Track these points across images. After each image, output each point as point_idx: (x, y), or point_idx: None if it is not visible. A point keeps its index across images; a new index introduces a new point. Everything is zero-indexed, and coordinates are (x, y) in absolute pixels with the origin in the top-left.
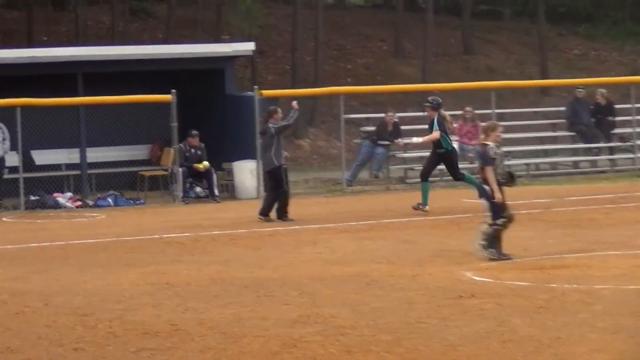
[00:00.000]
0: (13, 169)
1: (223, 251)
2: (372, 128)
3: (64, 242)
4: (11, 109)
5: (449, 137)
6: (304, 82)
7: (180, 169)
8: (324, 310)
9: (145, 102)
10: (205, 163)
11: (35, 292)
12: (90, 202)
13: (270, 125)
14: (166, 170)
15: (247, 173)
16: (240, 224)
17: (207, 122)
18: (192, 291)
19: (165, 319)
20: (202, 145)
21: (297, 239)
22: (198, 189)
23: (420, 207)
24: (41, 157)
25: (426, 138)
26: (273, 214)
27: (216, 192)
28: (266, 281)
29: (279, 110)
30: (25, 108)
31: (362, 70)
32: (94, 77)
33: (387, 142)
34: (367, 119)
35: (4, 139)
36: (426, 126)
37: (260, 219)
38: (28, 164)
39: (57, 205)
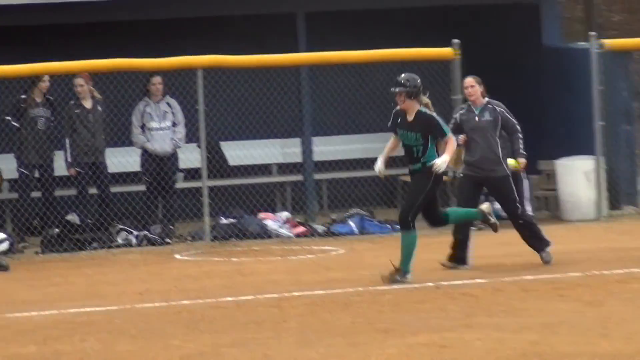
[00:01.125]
0: (192, 173)
1: (542, 308)
2: None
3: (277, 295)
4: (188, 72)
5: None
6: None
7: None
8: None
9: (409, 60)
10: (512, 161)
11: None
12: (320, 228)
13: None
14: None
15: (579, 178)
16: (574, 262)
17: (511, 93)
18: None
19: None
20: None
21: None
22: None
23: (399, 277)
24: (238, 153)
25: (450, 152)
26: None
27: (528, 208)
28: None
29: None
30: (211, 72)
31: None
32: (322, 20)
33: None
34: None
35: (174, 124)
36: None
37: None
38: (217, 164)
39: (265, 233)
